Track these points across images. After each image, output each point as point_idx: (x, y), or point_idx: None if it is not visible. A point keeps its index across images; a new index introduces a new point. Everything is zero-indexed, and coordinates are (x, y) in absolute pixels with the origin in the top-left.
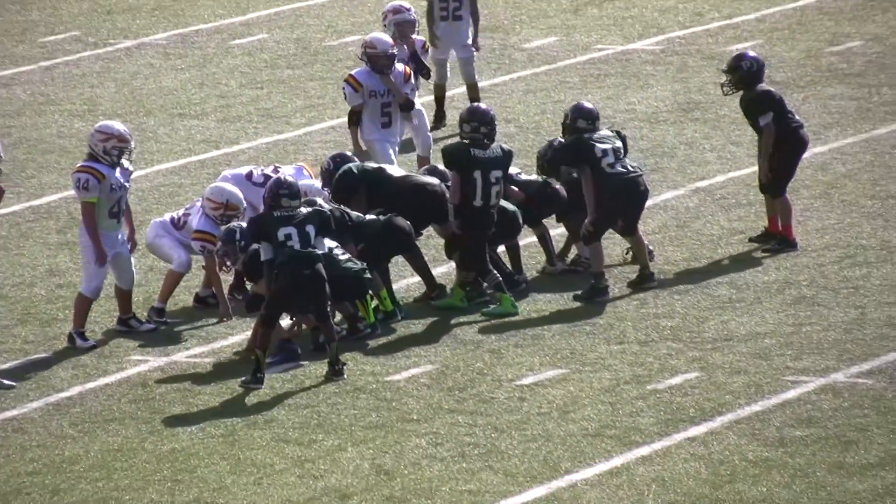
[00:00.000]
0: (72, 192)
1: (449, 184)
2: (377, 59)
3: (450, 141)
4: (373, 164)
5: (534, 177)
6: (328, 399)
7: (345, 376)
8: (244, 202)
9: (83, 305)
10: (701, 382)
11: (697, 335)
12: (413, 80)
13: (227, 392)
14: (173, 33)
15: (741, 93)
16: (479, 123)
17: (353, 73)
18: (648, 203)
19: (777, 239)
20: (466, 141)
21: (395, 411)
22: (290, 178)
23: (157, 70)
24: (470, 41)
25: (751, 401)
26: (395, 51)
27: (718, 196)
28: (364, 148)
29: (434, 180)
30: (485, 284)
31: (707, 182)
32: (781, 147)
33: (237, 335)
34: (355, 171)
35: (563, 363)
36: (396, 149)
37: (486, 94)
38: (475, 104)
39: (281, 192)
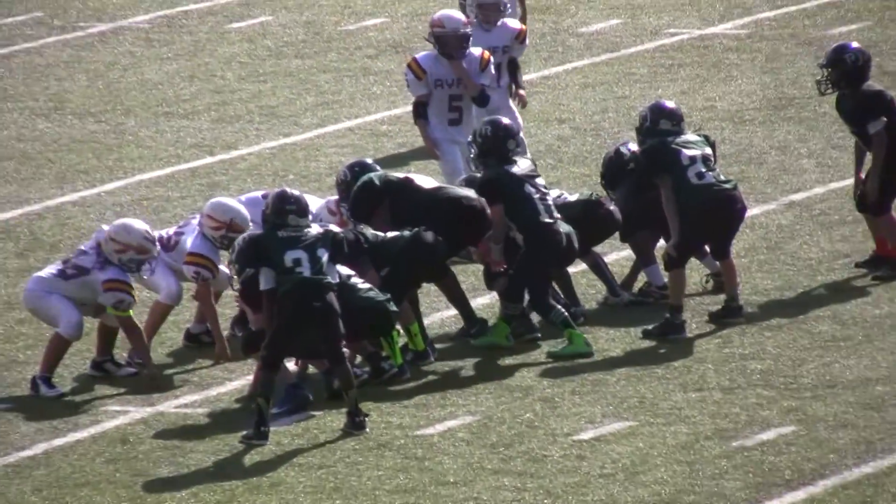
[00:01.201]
0: (35, 208)
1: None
2: (446, 41)
3: None
4: (398, 174)
5: (575, 196)
6: (346, 457)
7: (367, 430)
8: (250, 223)
9: (59, 347)
10: (798, 438)
11: (793, 381)
12: (492, 69)
13: (224, 449)
14: (157, 15)
15: (839, 92)
16: (514, 136)
17: (416, 56)
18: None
19: (889, 264)
20: (497, 161)
21: (427, 472)
22: (296, 192)
23: (139, 59)
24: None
25: (860, 461)
26: (468, 30)
27: (817, 211)
28: (436, 145)
29: (472, 193)
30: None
31: (803, 195)
32: (889, 158)
33: (237, 380)
34: (377, 181)
35: (630, 414)
36: None
37: (535, 87)
38: (495, 118)
39: (287, 208)
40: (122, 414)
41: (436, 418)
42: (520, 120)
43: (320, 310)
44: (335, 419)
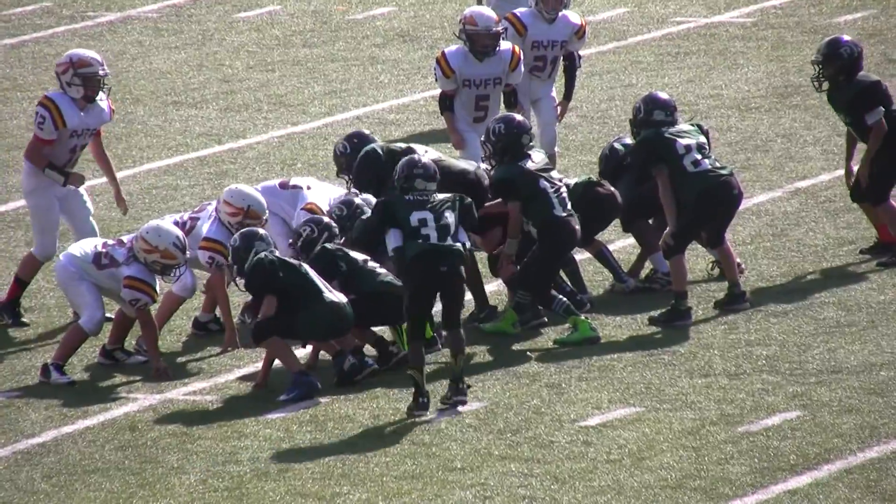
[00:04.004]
0: None
1: (485, 168)
2: (477, 39)
3: None
4: (400, 145)
5: (574, 179)
6: (354, 444)
7: (467, 399)
8: (267, 211)
9: (77, 339)
10: (803, 423)
11: (798, 366)
12: (521, 66)
13: (232, 436)
14: (165, 4)
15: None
16: (528, 132)
17: (446, 51)
18: (739, 208)
19: (892, 251)
20: (512, 157)
21: (434, 458)
22: (424, 158)
23: (147, 49)
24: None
25: (864, 445)
26: (499, 28)
27: (823, 199)
28: (462, 137)
29: (470, 165)
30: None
31: (809, 182)
32: (887, 146)
33: (245, 367)
34: (379, 151)
35: (636, 400)
36: None
37: None
38: (507, 115)
39: (415, 172)
40: (131, 401)
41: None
42: (556, 112)
43: (447, 275)
44: (343, 406)
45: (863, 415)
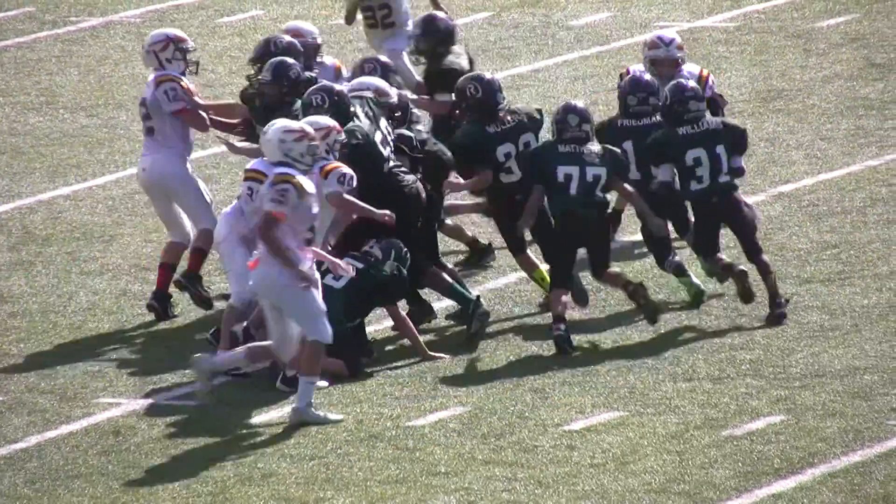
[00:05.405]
0: (26, 202)
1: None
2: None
3: None
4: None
5: None
6: (338, 449)
7: (785, 312)
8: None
9: (230, 320)
10: (787, 427)
11: (782, 370)
12: None
13: (216, 441)
14: (148, 9)
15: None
16: None
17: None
18: None
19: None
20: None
21: (418, 463)
22: (691, 82)
23: (130, 54)
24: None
25: (848, 449)
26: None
27: (806, 203)
28: None
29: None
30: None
31: (792, 186)
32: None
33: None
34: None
35: (620, 404)
36: None
37: (525, 81)
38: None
39: (687, 95)
40: (115, 406)
41: (427, 409)
42: None
43: (720, 206)
44: (327, 410)
45: (846, 418)
